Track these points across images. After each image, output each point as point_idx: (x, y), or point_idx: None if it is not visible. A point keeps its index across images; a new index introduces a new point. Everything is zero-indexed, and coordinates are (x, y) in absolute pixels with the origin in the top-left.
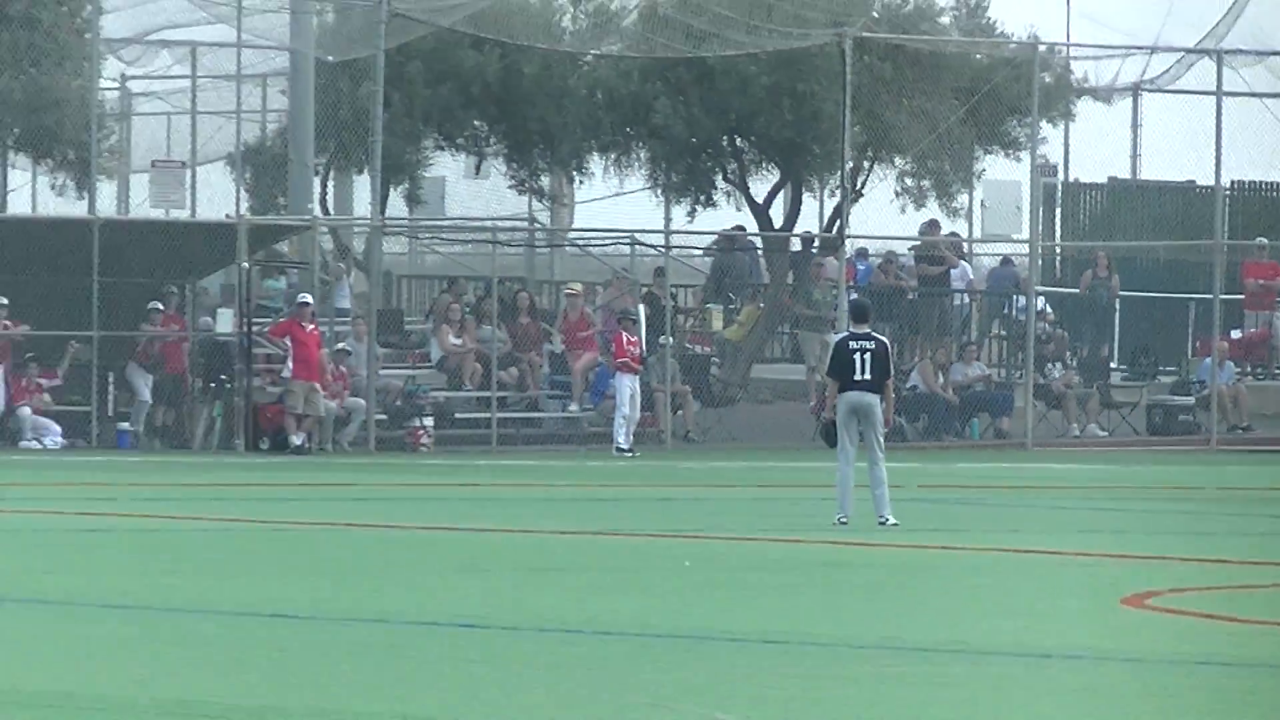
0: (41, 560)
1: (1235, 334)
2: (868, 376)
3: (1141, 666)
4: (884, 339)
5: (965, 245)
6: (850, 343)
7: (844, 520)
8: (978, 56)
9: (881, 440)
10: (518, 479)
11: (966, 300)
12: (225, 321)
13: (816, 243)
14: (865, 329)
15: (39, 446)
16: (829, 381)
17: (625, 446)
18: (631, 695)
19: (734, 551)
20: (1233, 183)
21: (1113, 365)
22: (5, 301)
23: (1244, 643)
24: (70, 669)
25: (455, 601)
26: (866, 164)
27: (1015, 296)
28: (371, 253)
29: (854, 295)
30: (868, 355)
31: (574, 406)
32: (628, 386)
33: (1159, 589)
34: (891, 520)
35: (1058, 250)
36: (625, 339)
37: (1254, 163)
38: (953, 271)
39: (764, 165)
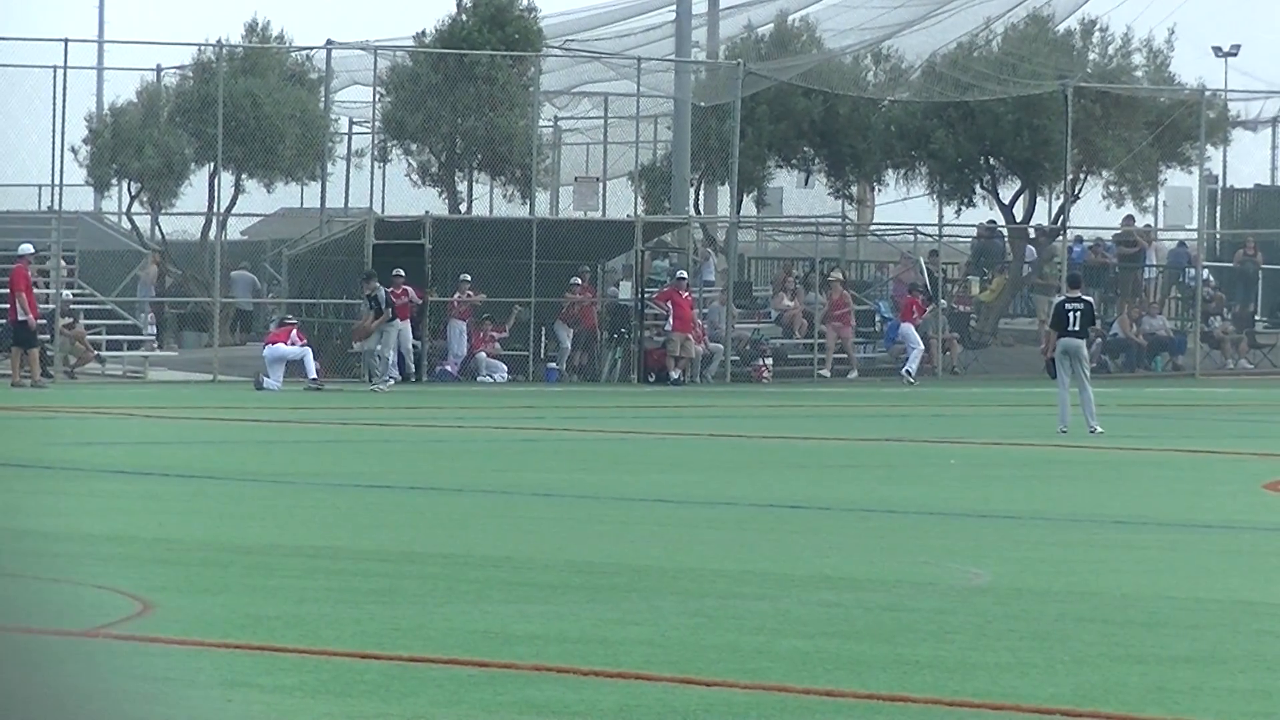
0: (492, 462)
1: None
2: (1076, 327)
3: (1276, 534)
4: (1090, 300)
5: (1152, 233)
6: (1066, 304)
7: (1064, 430)
8: (1162, 99)
9: (1088, 373)
10: (831, 402)
11: (1153, 272)
12: (625, 291)
13: (1046, 232)
14: (1077, 294)
15: (491, 381)
16: (1050, 332)
17: (912, 376)
18: (908, 556)
19: (986, 452)
20: None
21: (1257, 317)
22: (469, 277)
23: None
24: (507, 540)
25: (785, 489)
26: (1082, 176)
27: (1187, 269)
28: (730, 241)
29: (1071, 270)
30: (1078, 312)
31: (824, 373)
32: (915, 335)
33: None
34: (1099, 429)
35: (1218, 236)
36: (917, 304)
37: None
38: (1144, 252)
39: (1009, 177)
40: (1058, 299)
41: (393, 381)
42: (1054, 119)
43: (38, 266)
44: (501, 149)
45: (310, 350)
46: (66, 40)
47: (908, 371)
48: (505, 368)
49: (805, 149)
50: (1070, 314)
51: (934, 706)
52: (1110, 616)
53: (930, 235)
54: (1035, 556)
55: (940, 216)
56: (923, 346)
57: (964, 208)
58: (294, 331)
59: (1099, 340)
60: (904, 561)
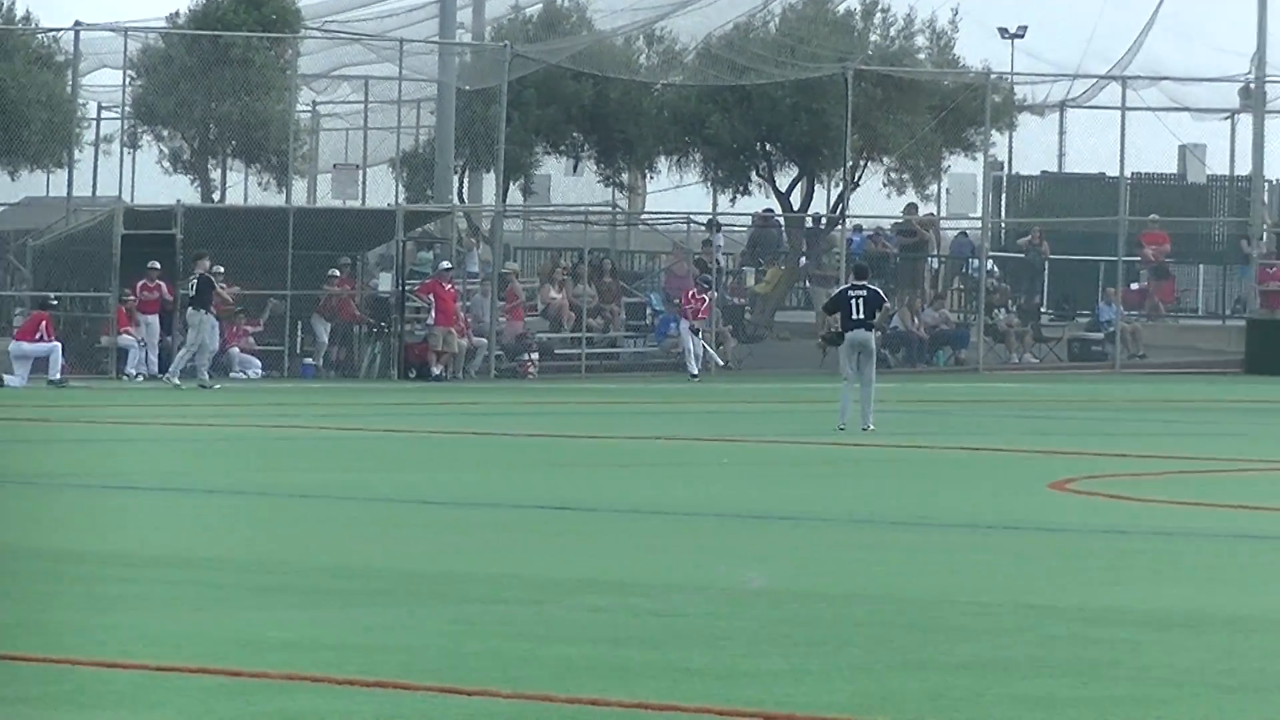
0: (245, 461)
1: (1134, 286)
2: (862, 316)
3: (1062, 534)
4: (876, 288)
5: (935, 222)
6: (849, 291)
7: (842, 427)
8: (946, 83)
9: (874, 370)
10: (600, 398)
11: (935, 263)
12: (385, 283)
13: (824, 221)
14: (862, 283)
15: (245, 377)
16: (824, 313)
17: (695, 373)
18: (680, 559)
19: (761, 450)
20: (1133, 174)
21: (1043, 310)
22: (222, 269)
23: (1136, 515)
24: (260, 543)
25: (552, 489)
26: (862, 162)
27: (971, 260)
28: (495, 231)
29: (854, 261)
30: (861, 300)
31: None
32: (689, 333)
33: (1076, 476)
34: (872, 427)
35: (1003, 225)
36: (693, 295)
37: (1147, 159)
38: (927, 242)
39: (787, 164)
40: (841, 287)
41: (206, 378)
42: (833, 103)
43: None
44: (257, 135)
45: (60, 345)
46: None
47: (694, 375)
48: (260, 363)
49: (574, 135)
50: (853, 301)
51: (705, 715)
52: (890, 621)
53: (703, 224)
54: (812, 559)
55: (714, 205)
56: (693, 346)
57: (739, 195)
58: (44, 323)
59: (877, 333)
60: (675, 564)
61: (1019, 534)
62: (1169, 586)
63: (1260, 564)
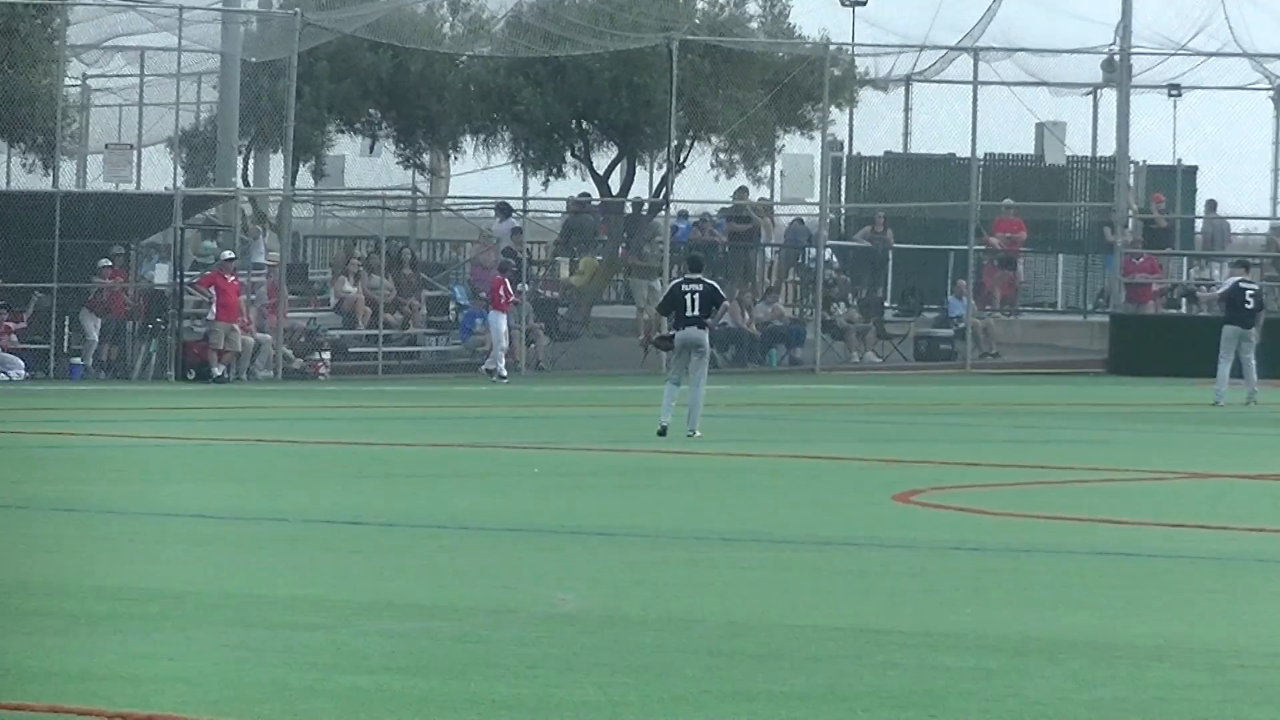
0: (4, 471)
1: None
2: (697, 313)
3: (907, 551)
4: (712, 283)
5: (769, 208)
6: (683, 285)
7: (664, 427)
8: (780, 54)
9: (705, 371)
10: (398, 402)
11: (769, 253)
12: (162, 274)
13: (646, 206)
14: (698, 276)
15: (5, 378)
16: (659, 316)
17: (504, 374)
18: (484, 579)
19: (574, 459)
20: (985, 155)
21: (886, 304)
22: None
23: (989, 530)
24: (22, 563)
25: (343, 502)
26: (688, 142)
27: (808, 248)
28: (283, 217)
29: (686, 251)
30: (696, 295)
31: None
32: (502, 327)
33: (923, 487)
34: (698, 433)
35: (843, 211)
36: (505, 286)
37: (1002, 138)
38: (759, 229)
39: (605, 143)
40: (675, 281)
41: None
42: (657, 77)
43: None
44: (21, 111)
45: None
46: None
47: (496, 372)
48: (22, 363)
49: (371, 112)
50: (688, 297)
51: None
52: (716, 647)
53: (514, 211)
54: (630, 579)
55: (525, 189)
56: (507, 342)
57: (553, 178)
58: None
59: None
60: (479, 585)
61: (859, 551)
62: (1024, 609)
63: (1124, 584)
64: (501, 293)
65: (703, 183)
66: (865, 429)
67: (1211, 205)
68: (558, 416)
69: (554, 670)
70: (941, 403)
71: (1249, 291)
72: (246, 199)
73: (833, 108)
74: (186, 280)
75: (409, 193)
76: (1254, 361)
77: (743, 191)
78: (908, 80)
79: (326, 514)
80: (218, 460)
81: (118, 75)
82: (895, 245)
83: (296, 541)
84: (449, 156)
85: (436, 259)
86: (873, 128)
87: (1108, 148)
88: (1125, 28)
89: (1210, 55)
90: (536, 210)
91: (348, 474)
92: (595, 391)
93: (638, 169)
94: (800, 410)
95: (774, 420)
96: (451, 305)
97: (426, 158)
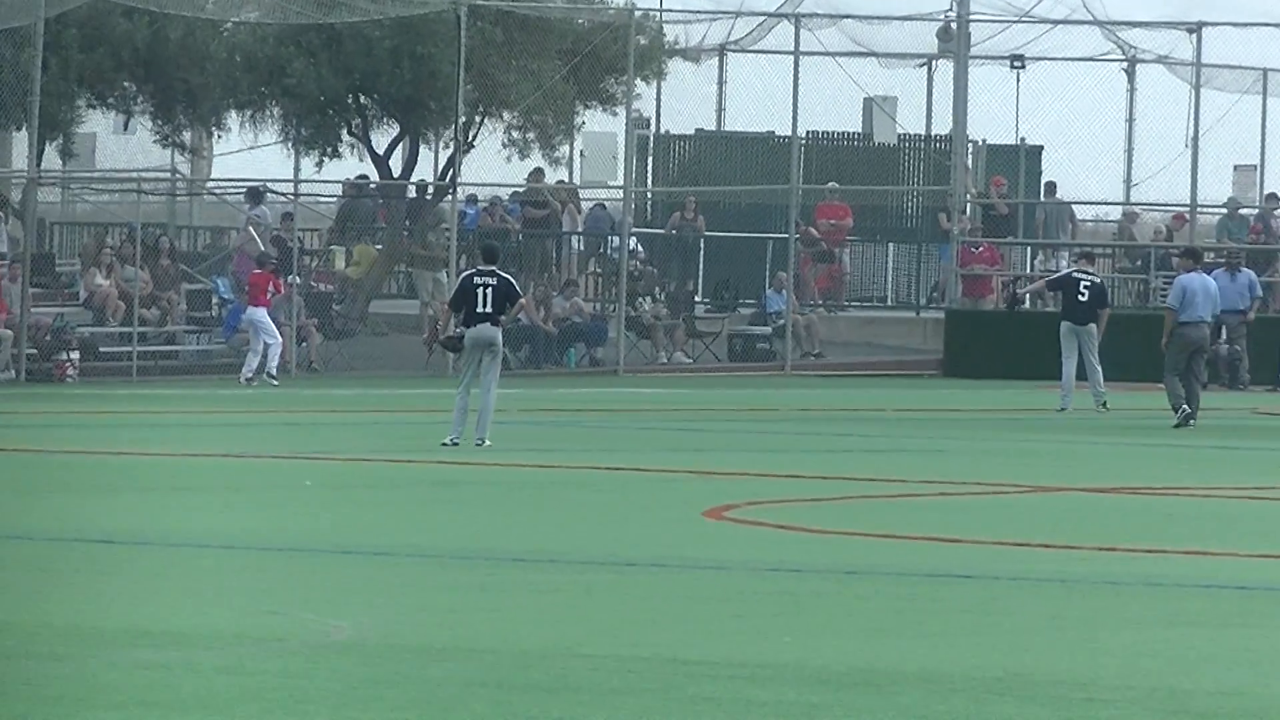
0: None
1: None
2: (489, 309)
3: (720, 573)
4: (507, 277)
5: (568, 192)
6: (475, 278)
7: (455, 442)
8: (580, 21)
9: (497, 373)
10: (155, 406)
11: (570, 241)
12: None
13: (431, 190)
14: (491, 268)
15: None
16: (449, 310)
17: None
18: (249, 603)
19: (350, 471)
20: (808, 133)
21: (697, 299)
22: None
23: (812, 550)
24: None
25: (91, 520)
26: (478, 119)
27: (610, 237)
28: (27, 202)
29: (486, 241)
30: (489, 290)
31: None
32: (270, 324)
33: (737, 502)
34: (488, 442)
35: (649, 195)
36: (273, 281)
37: (826, 115)
38: (557, 215)
39: (385, 120)
40: (466, 272)
41: None
42: (443, 46)
43: None
44: None
45: None
46: None
47: (269, 373)
48: None
49: (126, 84)
50: (479, 291)
51: None
52: (508, 680)
53: (283, 194)
54: (413, 604)
55: (296, 170)
56: (280, 339)
57: (327, 159)
58: None
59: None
60: (244, 611)
61: (666, 572)
62: (850, 637)
63: (960, 610)
64: (270, 288)
65: (494, 164)
66: (674, 437)
67: (1051, 188)
68: (332, 423)
69: (328, 705)
70: (758, 408)
71: (1084, 283)
72: None
73: (638, 80)
74: None
75: (167, 175)
76: (1098, 364)
77: (538, 174)
78: (721, 50)
79: (73, 532)
80: None
81: None
82: (707, 233)
83: (38, 563)
84: (212, 135)
85: (198, 249)
86: (683, 103)
87: (943, 125)
88: None
89: (1057, 23)
90: (308, 195)
91: (96, 486)
92: (374, 395)
93: (421, 149)
94: (602, 416)
95: (572, 427)
96: (214, 300)
97: (187, 136)
